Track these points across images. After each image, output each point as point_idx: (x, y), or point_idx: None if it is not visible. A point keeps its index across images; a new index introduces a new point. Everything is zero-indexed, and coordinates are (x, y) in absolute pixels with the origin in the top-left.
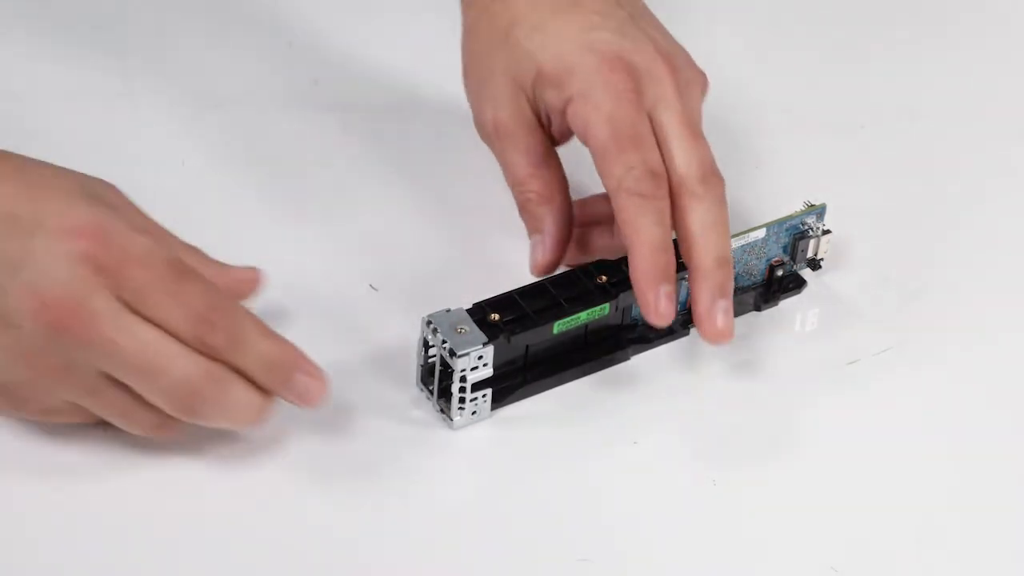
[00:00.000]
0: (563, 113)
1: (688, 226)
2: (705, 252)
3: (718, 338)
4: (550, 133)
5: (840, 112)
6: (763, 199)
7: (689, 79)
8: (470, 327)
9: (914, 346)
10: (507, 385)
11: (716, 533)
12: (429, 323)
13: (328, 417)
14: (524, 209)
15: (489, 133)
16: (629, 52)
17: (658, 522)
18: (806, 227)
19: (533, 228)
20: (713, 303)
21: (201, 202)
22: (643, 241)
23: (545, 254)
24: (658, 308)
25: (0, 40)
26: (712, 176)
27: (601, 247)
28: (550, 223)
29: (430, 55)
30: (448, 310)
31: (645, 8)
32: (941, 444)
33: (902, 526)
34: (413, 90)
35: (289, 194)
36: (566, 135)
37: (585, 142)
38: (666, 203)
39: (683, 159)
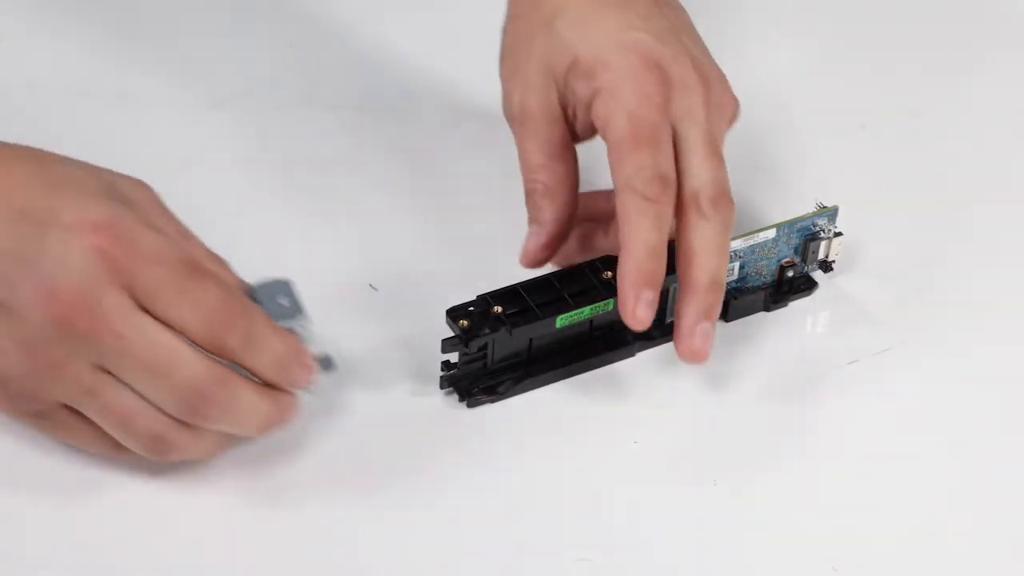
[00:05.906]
0: (588, 106)
1: (690, 243)
2: (700, 272)
3: (693, 357)
4: (573, 128)
5: (840, 112)
6: (763, 200)
7: (721, 102)
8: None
9: (915, 346)
10: (509, 378)
11: (716, 533)
12: None
13: (326, 415)
14: (529, 197)
15: (513, 116)
16: (667, 60)
17: (658, 522)
18: (817, 228)
19: (533, 218)
20: (697, 322)
21: (200, 202)
22: (637, 243)
23: (537, 245)
24: (636, 312)
25: (1, 38)
26: (724, 199)
27: (604, 247)
28: (549, 217)
29: (431, 54)
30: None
31: (690, 25)
32: (942, 444)
33: (902, 526)
34: (413, 90)
35: (288, 194)
36: (589, 131)
37: (604, 137)
38: (669, 210)
39: (698, 176)
